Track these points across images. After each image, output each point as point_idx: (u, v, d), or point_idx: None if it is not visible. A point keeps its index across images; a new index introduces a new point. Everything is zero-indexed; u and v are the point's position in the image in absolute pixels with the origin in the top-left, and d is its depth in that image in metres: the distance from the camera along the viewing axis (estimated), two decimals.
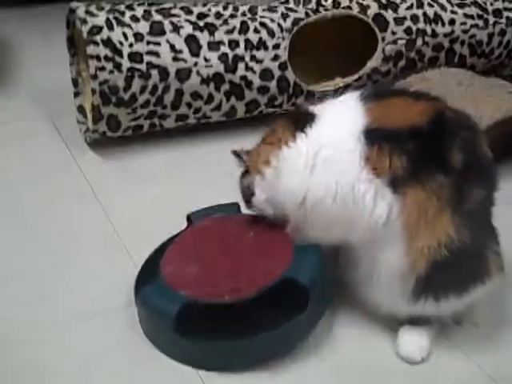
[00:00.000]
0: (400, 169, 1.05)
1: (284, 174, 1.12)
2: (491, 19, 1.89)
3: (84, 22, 1.57)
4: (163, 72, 1.62)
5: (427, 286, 1.07)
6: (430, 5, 1.84)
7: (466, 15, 1.86)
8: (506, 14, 1.91)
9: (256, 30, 1.69)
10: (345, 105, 1.14)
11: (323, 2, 1.77)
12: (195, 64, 1.64)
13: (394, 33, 1.80)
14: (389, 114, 1.09)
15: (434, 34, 1.84)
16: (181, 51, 1.63)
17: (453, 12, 1.86)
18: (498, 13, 1.90)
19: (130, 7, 1.64)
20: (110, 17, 1.60)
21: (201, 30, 1.65)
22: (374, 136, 1.06)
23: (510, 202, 1.51)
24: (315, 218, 1.11)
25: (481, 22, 1.88)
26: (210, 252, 1.19)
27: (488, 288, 1.10)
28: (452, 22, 1.85)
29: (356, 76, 1.80)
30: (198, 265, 1.16)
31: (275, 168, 1.14)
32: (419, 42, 1.82)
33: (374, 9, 1.78)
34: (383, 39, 1.79)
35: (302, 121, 1.13)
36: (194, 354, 1.11)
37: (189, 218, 1.29)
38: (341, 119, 1.12)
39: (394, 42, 1.80)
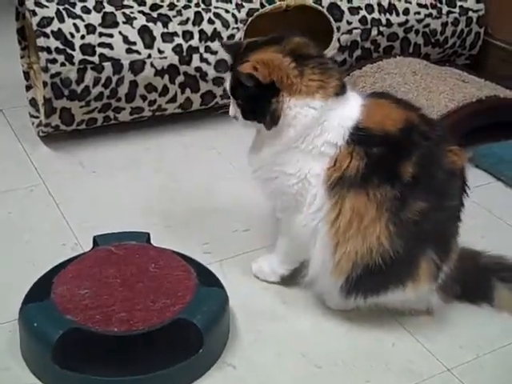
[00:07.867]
0: (354, 171, 1.06)
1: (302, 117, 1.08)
2: (445, 9, 1.91)
3: (33, 13, 1.54)
4: (117, 64, 1.59)
5: (357, 285, 1.10)
6: None
7: (419, 5, 1.88)
8: (459, 3, 1.93)
9: (210, 21, 1.68)
10: (353, 97, 1.12)
11: None
12: (149, 56, 1.62)
13: (349, 22, 1.80)
14: (373, 115, 1.09)
15: (389, 24, 1.84)
16: (134, 43, 1.61)
17: (407, 1, 1.87)
18: (451, 2, 1.92)
19: None
20: (61, 8, 1.57)
21: (154, 21, 1.64)
22: (355, 137, 1.07)
23: None
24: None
25: (434, 12, 1.89)
26: (108, 279, 1.11)
27: (409, 293, 1.11)
28: (406, 11, 1.86)
29: None
30: (93, 290, 1.09)
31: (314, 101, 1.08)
32: (374, 31, 1.83)
33: None
34: (338, 29, 1.79)
35: (344, 84, 1.11)
36: None
37: (95, 241, 1.22)
38: (347, 110, 1.10)
39: (349, 31, 1.80)
